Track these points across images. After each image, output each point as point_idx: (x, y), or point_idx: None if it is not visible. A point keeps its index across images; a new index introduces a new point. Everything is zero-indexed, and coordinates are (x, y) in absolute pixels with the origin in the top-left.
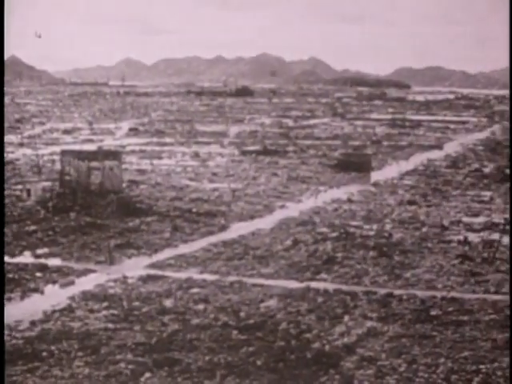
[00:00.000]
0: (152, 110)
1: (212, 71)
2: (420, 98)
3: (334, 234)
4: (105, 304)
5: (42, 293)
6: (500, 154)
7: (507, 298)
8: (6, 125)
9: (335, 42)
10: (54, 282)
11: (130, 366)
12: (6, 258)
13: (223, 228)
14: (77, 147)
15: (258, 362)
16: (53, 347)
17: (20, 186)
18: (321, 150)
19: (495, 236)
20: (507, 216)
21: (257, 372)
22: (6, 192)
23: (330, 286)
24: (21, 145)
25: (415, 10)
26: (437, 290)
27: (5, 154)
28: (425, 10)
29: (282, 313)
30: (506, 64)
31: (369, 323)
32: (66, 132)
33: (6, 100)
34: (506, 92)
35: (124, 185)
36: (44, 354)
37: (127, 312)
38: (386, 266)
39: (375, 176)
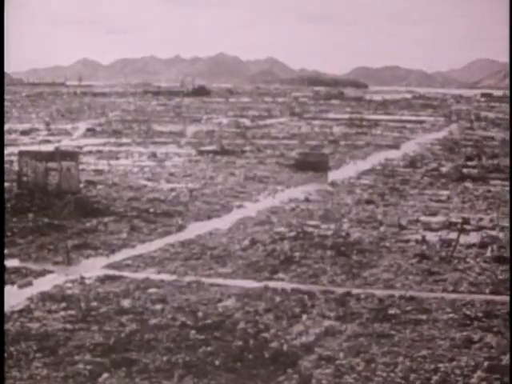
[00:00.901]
0: (109, 110)
1: (169, 71)
2: (377, 97)
3: (292, 234)
4: (63, 305)
5: None
6: (457, 153)
7: (464, 296)
8: None
9: (292, 41)
10: (13, 283)
11: (89, 367)
12: None
13: (181, 228)
14: (34, 148)
15: (216, 362)
16: (11, 348)
17: None
18: (278, 149)
19: (453, 235)
20: (464, 215)
21: (215, 372)
22: None
23: (288, 286)
24: None
25: (373, 9)
26: (395, 289)
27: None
28: (383, 10)
29: (240, 312)
30: (464, 63)
31: (327, 322)
32: (24, 133)
33: None
34: (463, 91)
35: (81, 185)
36: (2, 355)
37: (85, 313)
38: (344, 265)
39: (332, 175)
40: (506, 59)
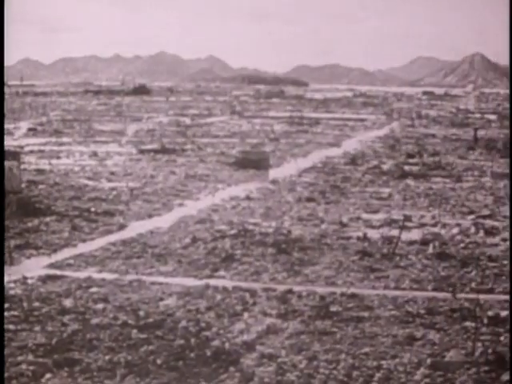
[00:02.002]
0: (50, 109)
1: (110, 70)
2: (318, 95)
3: (233, 232)
4: (5, 305)
5: None
6: (398, 150)
7: (407, 293)
8: None
9: (232, 39)
10: None
11: (31, 367)
12: None
13: (122, 227)
14: None
15: (158, 361)
16: None
17: None
18: (219, 147)
19: (394, 232)
20: (406, 212)
21: (157, 371)
22: None
23: (229, 284)
24: None
25: (313, 7)
26: (336, 286)
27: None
28: (322, 9)
29: (181, 311)
30: (405, 61)
31: (268, 320)
32: None
33: None
34: (405, 89)
35: (23, 185)
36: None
37: (27, 313)
38: (285, 262)
39: (273, 173)
40: (447, 57)
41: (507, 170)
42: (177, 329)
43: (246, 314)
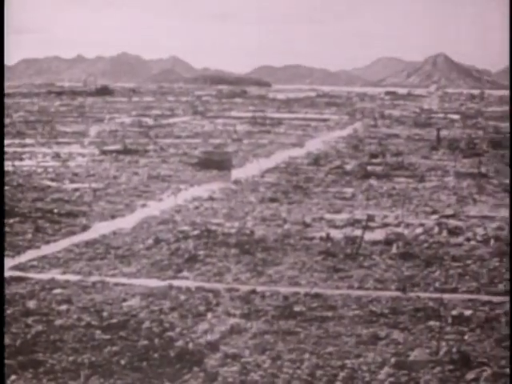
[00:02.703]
0: (13, 111)
1: (72, 71)
2: (281, 95)
3: (196, 232)
4: None
5: None
6: (361, 150)
7: (370, 293)
8: None
9: (195, 40)
10: None
11: None
12: None
13: (85, 228)
14: None
15: (122, 362)
16: None
17: None
18: (181, 148)
19: (358, 232)
20: (369, 212)
21: (121, 371)
22: None
23: (192, 284)
24: None
25: (275, 8)
26: (300, 287)
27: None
28: (285, 9)
29: (145, 311)
30: (368, 62)
31: (232, 320)
32: None
33: None
34: (368, 89)
35: None
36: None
37: None
38: (249, 263)
39: (236, 174)
40: (410, 57)
41: (470, 170)
42: (140, 329)
43: (209, 315)
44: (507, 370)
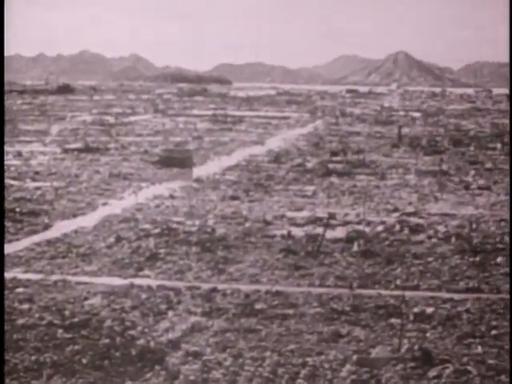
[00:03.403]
0: None
1: (33, 69)
2: (241, 93)
3: (157, 231)
4: None
5: None
6: (322, 148)
7: (331, 290)
8: None
9: (155, 38)
10: None
11: None
12: None
13: (47, 227)
14: None
15: (84, 360)
16: None
17: None
18: (142, 146)
19: (319, 230)
20: (330, 210)
21: (83, 370)
22: None
23: (154, 283)
24: None
25: (235, 6)
26: (261, 284)
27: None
28: (244, 8)
29: (106, 310)
30: (328, 59)
31: (193, 318)
32: None
33: None
34: (328, 87)
35: None
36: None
37: None
38: (210, 261)
39: (197, 172)
40: (371, 55)
41: (432, 168)
42: (102, 328)
43: (170, 313)
44: (469, 368)
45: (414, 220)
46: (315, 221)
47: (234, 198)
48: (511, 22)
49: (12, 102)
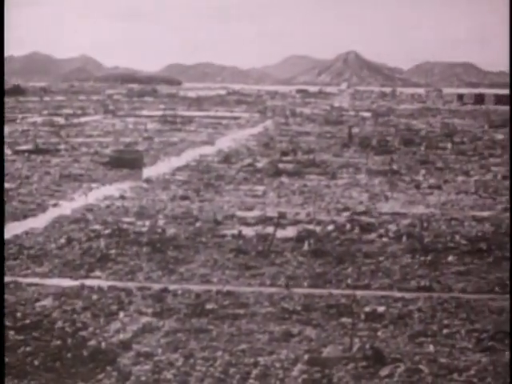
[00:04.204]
0: None
1: None
2: (191, 94)
3: (107, 231)
4: None
5: None
6: (273, 148)
7: (282, 290)
8: None
9: (105, 39)
10: None
11: None
12: None
13: None
14: None
15: (36, 362)
16: None
17: None
18: (92, 147)
19: (269, 229)
20: (281, 209)
21: (35, 372)
22: None
23: (105, 283)
24: None
25: (185, 7)
26: (212, 284)
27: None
28: (194, 8)
29: (58, 311)
30: (279, 59)
31: (144, 319)
32: None
33: None
34: (279, 87)
35: None
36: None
37: None
38: (160, 261)
39: (147, 172)
40: (321, 55)
41: (382, 167)
42: (53, 329)
43: (121, 314)
44: (421, 366)
45: (364, 219)
46: (266, 220)
47: (184, 198)
48: (511, 22)
49: None
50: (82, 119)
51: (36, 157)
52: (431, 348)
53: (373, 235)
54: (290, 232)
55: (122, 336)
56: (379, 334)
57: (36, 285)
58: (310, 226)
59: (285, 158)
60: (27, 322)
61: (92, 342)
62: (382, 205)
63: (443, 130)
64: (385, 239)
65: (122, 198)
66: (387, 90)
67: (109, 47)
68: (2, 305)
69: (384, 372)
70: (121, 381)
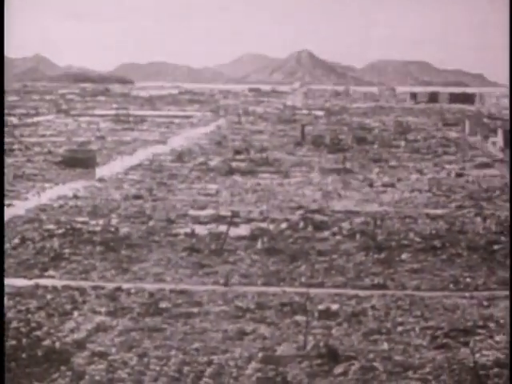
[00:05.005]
0: None
1: None
2: (144, 93)
3: (61, 231)
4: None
5: None
6: (225, 147)
7: (236, 288)
8: None
9: (58, 38)
10: None
11: None
12: None
13: None
14: None
15: None
16: None
17: None
18: (46, 147)
19: (222, 228)
20: (234, 208)
21: None
22: None
23: (59, 283)
24: None
25: (138, 6)
26: (165, 283)
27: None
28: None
29: (12, 311)
30: (232, 58)
31: (98, 318)
32: None
33: None
34: (231, 86)
35: None
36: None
37: None
38: (114, 260)
39: (100, 171)
40: (274, 54)
41: (335, 166)
42: (8, 329)
43: (75, 313)
44: (375, 364)
45: (318, 217)
46: (219, 219)
47: (137, 197)
48: (511, 22)
49: None
50: (35, 119)
51: None
52: (385, 345)
53: (326, 233)
54: (244, 230)
55: (76, 335)
56: (333, 331)
57: None
58: (264, 225)
59: (238, 157)
60: None
61: (46, 342)
62: (335, 203)
63: (397, 129)
64: (338, 237)
65: (76, 197)
66: (340, 88)
67: (63, 46)
68: (2, 305)
69: (338, 370)
70: (75, 380)
